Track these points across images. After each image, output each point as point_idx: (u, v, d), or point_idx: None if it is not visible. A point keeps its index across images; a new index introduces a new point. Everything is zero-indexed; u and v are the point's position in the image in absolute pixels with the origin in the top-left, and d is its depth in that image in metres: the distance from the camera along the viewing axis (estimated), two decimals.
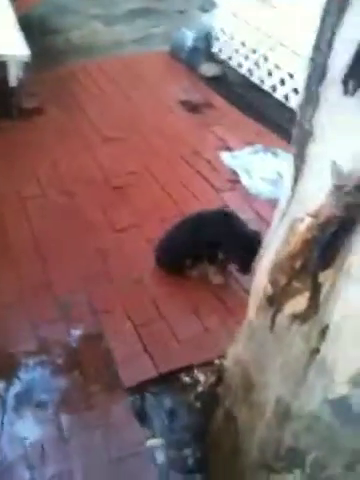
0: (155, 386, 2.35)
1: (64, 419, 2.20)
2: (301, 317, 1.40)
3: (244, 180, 3.80)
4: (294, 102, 4.58)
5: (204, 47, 5.41)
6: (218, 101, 4.92)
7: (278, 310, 1.47)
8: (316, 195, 1.38)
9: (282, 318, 1.46)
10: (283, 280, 1.44)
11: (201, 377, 2.39)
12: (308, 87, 1.34)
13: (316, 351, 1.38)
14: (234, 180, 3.79)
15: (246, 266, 2.69)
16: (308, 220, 1.40)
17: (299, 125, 1.43)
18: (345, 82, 1.13)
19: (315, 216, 1.38)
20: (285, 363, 1.49)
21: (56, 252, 3.01)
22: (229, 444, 1.90)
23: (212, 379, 2.37)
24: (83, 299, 2.72)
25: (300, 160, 1.45)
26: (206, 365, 2.43)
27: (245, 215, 3.37)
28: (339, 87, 1.22)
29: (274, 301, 1.48)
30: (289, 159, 4.08)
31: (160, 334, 2.55)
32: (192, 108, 4.80)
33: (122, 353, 2.45)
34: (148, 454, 2.11)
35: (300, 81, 4.38)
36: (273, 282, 1.48)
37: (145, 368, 2.39)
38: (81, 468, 2.04)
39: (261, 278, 1.59)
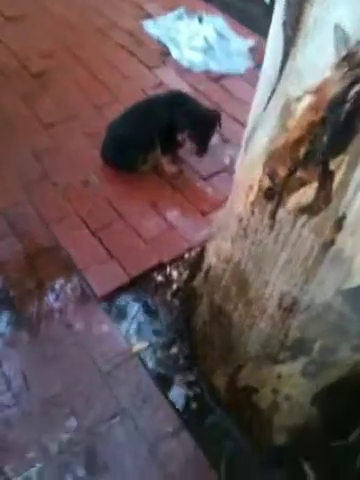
0: (129, 290, 2.24)
1: (43, 341, 2.07)
2: (309, 210, 1.28)
3: (173, 52, 3.47)
4: None
5: None
6: None
7: (279, 204, 1.34)
8: (316, 68, 1.19)
9: (284, 213, 1.33)
10: (284, 171, 1.29)
11: (174, 274, 2.30)
12: None
13: (330, 243, 1.28)
14: (163, 53, 3.45)
15: (205, 144, 2.56)
16: (309, 99, 1.23)
17: None
18: None
19: (317, 93, 1.20)
20: (290, 260, 1.39)
21: None
22: (222, 339, 1.86)
23: (186, 274, 2.29)
24: (30, 209, 2.46)
25: (292, 29, 1.23)
26: (177, 261, 2.33)
27: (183, 91, 3.11)
28: None
29: (274, 195, 1.34)
30: (215, 23, 3.72)
31: (123, 236, 2.39)
32: None
33: (86, 262, 2.28)
34: (137, 360, 2.05)
35: None
36: (271, 174, 1.32)
37: (114, 274, 2.26)
38: (71, 387, 1.96)
39: (251, 169, 1.42)
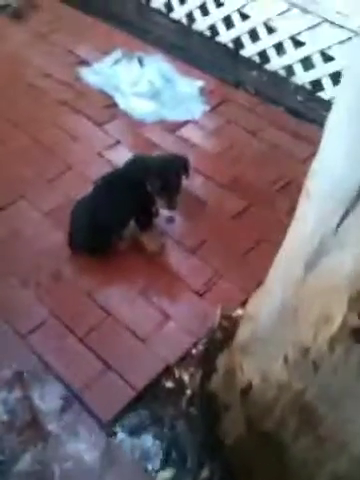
0: (136, 406, 1.91)
1: None
2: None
3: (120, 102, 3.16)
4: None
5: None
6: None
7: None
8: None
9: None
10: None
11: (185, 376, 2.00)
12: None
13: None
14: (109, 105, 3.13)
15: (173, 194, 2.25)
16: None
17: None
18: None
19: None
20: None
21: None
22: (270, 467, 1.60)
23: (199, 375, 1.99)
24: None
25: None
26: (184, 359, 2.04)
27: (142, 149, 2.84)
28: None
29: None
30: (157, 64, 3.46)
31: (116, 338, 2.06)
32: (14, 14, 3.80)
33: (81, 380, 1.93)
34: None
35: None
36: None
37: (117, 390, 1.92)
38: None
39: (323, 298, 1.17)
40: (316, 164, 1.25)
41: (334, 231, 1.14)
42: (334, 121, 1.17)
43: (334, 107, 1.18)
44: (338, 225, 1.12)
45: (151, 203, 2.31)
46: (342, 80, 1.25)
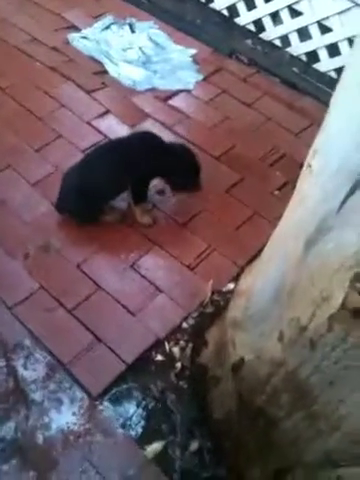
0: (126, 379, 1.90)
1: (34, 465, 1.69)
2: None
3: (110, 69, 3.06)
4: None
5: None
6: None
7: None
8: None
9: None
10: None
11: (175, 350, 1.99)
12: None
13: None
14: (99, 71, 3.03)
15: (197, 181, 2.27)
16: None
17: None
18: None
19: None
20: None
21: None
22: (260, 439, 1.60)
23: (189, 349, 1.99)
24: None
25: None
26: (174, 333, 2.02)
27: (132, 119, 2.76)
28: None
29: None
30: (149, 31, 3.36)
31: (105, 311, 2.03)
32: None
33: (70, 353, 1.90)
34: (154, 466, 1.73)
35: None
36: None
37: (107, 363, 1.90)
38: None
39: (323, 277, 1.15)
40: (320, 140, 1.21)
41: (337, 209, 1.10)
42: (341, 97, 1.13)
43: (341, 82, 1.14)
44: (342, 203, 1.09)
45: (151, 176, 2.26)
46: (352, 55, 1.20)
